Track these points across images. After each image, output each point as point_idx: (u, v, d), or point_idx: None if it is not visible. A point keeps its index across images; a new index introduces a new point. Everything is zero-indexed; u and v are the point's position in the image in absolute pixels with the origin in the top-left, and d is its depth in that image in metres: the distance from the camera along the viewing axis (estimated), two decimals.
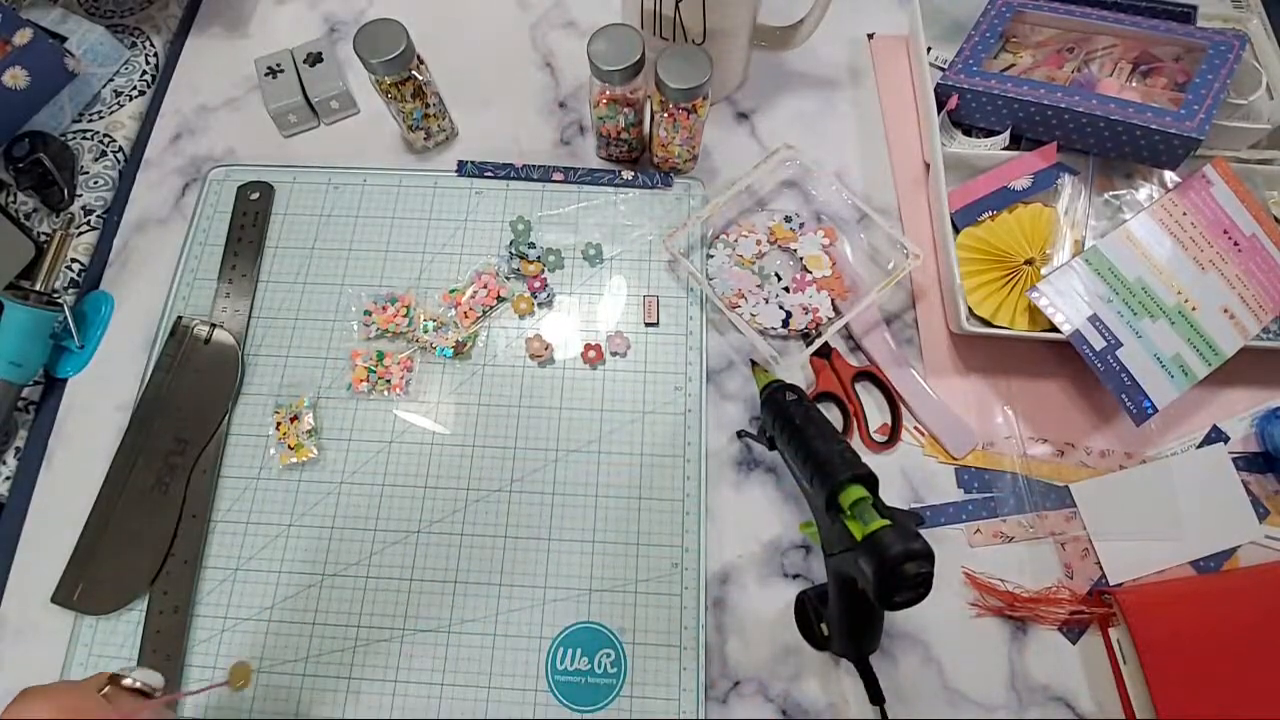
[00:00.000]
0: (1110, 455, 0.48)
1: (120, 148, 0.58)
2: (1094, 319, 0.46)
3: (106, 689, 0.33)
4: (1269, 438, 0.47)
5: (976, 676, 0.44)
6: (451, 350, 0.50)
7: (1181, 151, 0.49)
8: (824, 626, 0.42)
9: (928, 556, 0.32)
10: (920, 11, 0.57)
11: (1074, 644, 0.44)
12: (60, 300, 0.52)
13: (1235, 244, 0.48)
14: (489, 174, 0.56)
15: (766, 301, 0.51)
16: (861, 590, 0.35)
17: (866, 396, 0.50)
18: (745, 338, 0.51)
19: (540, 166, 0.56)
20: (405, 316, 0.51)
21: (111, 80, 0.61)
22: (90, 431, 0.50)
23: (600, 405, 0.49)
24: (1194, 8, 0.56)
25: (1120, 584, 0.45)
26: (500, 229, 0.55)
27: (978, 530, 0.47)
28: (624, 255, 0.54)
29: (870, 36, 0.62)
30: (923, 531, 0.47)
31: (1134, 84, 0.54)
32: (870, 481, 0.36)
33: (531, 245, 0.53)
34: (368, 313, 0.52)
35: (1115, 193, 0.53)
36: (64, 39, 0.58)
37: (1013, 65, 0.57)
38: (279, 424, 0.49)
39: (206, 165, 0.58)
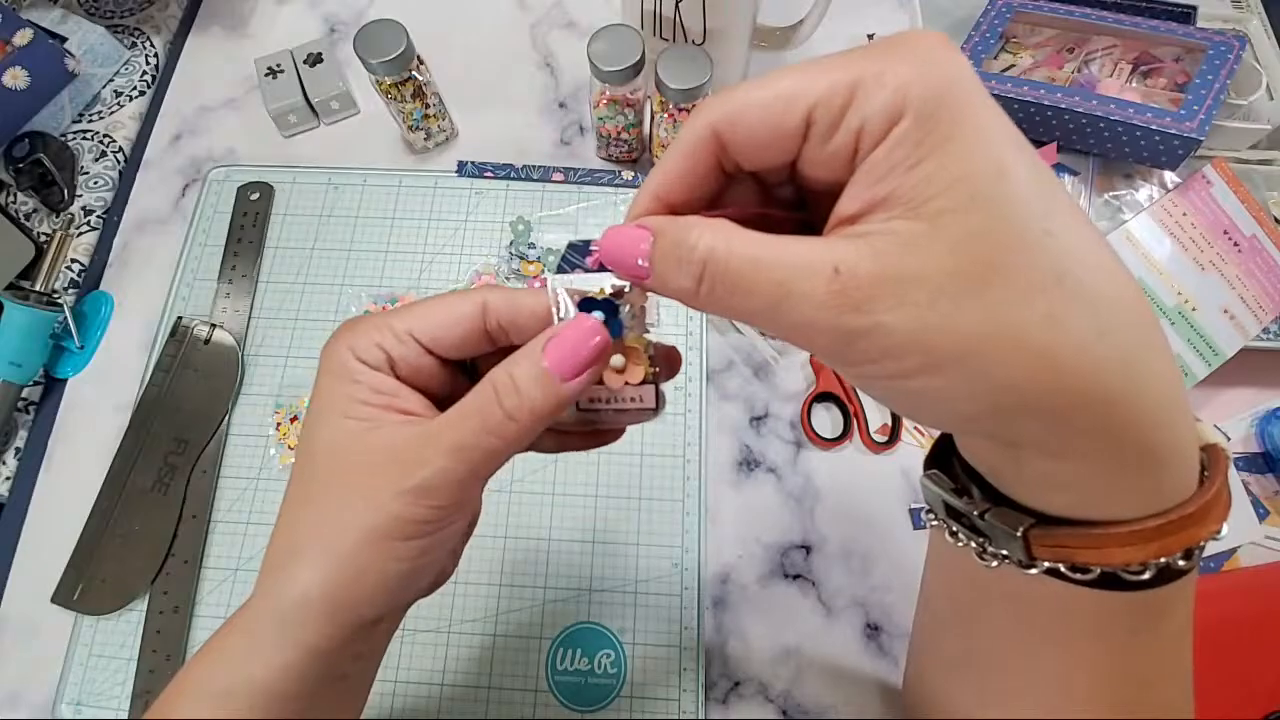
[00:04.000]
0: None
1: (120, 148, 0.58)
2: None
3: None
4: (1269, 438, 0.47)
5: None
6: None
7: (1181, 152, 0.49)
8: None
9: None
10: (920, 12, 0.57)
11: None
12: (60, 300, 0.52)
13: (1235, 244, 0.48)
14: (489, 174, 0.56)
15: None
16: None
17: (866, 397, 0.50)
18: (745, 338, 0.51)
19: (540, 166, 0.56)
20: None
21: (111, 80, 0.61)
22: (90, 431, 0.50)
23: None
24: (1194, 8, 0.56)
25: None
26: (500, 229, 0.55)
27: None
28: None
29: (870, 37, 0.62)
30: (923, 532, 0.47)
31: (1134, 84, 0.54)
32: None
33: (531, 245, 0.53)
34: (368, 313, 0.51)
35: (1115, 193, 0.53)
36: (64, 39, 0.58)
37: (1013, 65, 0.57)
38: (279, 424, 0.49)
39: (206, 165, 0.58)
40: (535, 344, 0.21)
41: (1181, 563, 0.19)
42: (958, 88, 0.16)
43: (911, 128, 0.16)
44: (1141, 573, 0.19)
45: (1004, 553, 0.21)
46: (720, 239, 0.18)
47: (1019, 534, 0.20)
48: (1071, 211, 0.17)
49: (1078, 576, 0.19)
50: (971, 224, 0.16)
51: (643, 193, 0.21)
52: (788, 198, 0.21)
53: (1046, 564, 0.20)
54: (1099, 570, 0.19)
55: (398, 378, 0.23)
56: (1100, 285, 0.16)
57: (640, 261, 0.19)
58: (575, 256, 0.22)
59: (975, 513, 0.21)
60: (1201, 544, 0.19)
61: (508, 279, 0.53)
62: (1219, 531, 0.19)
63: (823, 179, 0.19)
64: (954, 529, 0.22)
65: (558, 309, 0.22)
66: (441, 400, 0.24)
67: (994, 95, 0.55)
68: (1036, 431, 0.18)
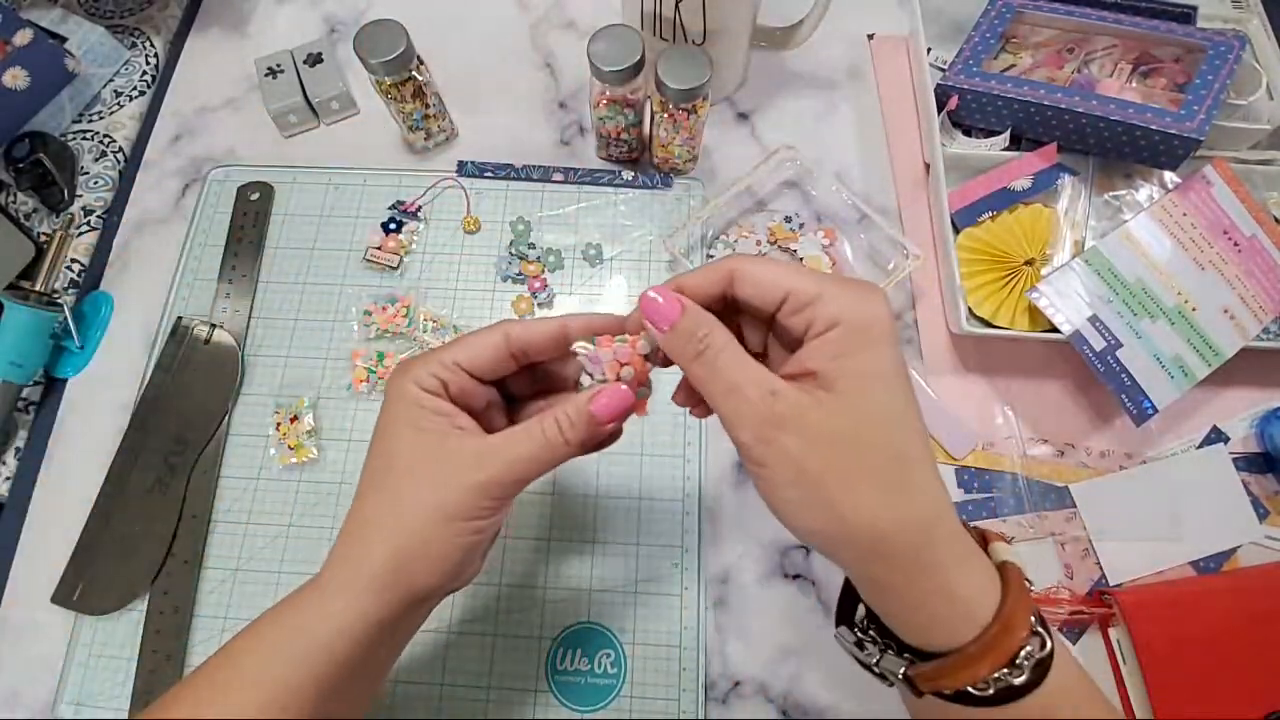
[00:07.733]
0: (1110, 455, 0.48)
1: (120, 148, 0.58)
2: (1094, 319, 0.46)
3: None
4: (1269, 438, 0.47)
5: None
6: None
7: (1181, 152, 0.49)
8: None
9: None
10: (920, 11, 0.57)
11: (1074, 644, 0.44)
12: (60, 300, 0.52)
13: (1235, 244, 0.48)
14: (489, 174, 0.56)
15: None
16: None
17: None
18: None
19: (540, 166, 0.56)
20: (405, 316, 0.51)
21: (111, 80, 0.61)
22: (90, 431, 0.49)
23: None
24: (1194, 8, 0.56)
25: (1120, 584, 0.45)
26: (500, 229, 0.55)
27: None
28: (624, 255, 0.54)
29: (870, 37, 0.62)
30: None
31: (1134, 84, 0.54)
32: None
33: (531, 245, 0.53)
34: (368, 313, 0.51)
35: (1115, 193, 0.53)
36: (64, 39, 0.58)
37: (1013, 66, 0.57)
38: (279, 424, 0.49)
39: (206, 165, 0.58)
40: (582, 398, 0.29)
41: (1015, 680, 0.24)
42: (876, 325, 0.26)
43: (841, 334, 0.25)
44: (987, 689, 0.25)
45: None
46: (721, 336, 0.27)
47: (900, 675, 0.27)
48: (913, 416, 0.26)
49: (948, 696, 0.25)
50: (856, 404, 0.25)
51: (672, 281, 0.29)
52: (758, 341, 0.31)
53: (929, 692, 0.26)
54: (955, 691, 0.25)
55: (451, 400, 0.30)
56: (914, 469, 0.26)
57: (664, 327, 0.28)
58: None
59: (872, 663, 0.28)
60: (1027, 654, 0.24)
61: (505, 279, 0.53)
62: (1029, 640, 0.24)
63: (784, 338, 0.28)
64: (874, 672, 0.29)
65: (589, 371, 0.30)
66: (479, 413, 0.31)
67: (994, 95, 0.55)
68: (857, 560, 0.26)
